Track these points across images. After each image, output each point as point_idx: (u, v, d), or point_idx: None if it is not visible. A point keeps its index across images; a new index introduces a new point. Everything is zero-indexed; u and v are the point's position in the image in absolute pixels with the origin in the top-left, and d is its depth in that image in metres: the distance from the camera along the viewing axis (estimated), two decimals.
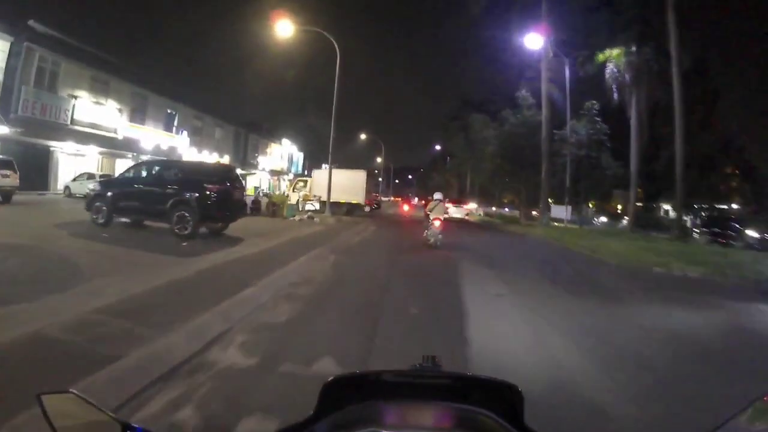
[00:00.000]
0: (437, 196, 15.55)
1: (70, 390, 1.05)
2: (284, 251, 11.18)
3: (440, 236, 14.28)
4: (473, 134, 39.25)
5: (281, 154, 68.40)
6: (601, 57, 29.91)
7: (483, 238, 21.17)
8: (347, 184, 28.69)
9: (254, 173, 57.12)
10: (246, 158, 58.02)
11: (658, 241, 20.10)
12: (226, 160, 51.24)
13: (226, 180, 13.25)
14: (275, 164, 64.74)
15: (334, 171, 28.48)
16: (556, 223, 33.87)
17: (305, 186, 30.14)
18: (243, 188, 14.63)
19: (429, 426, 1.14)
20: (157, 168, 13.85)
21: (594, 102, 32.84)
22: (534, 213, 37.54)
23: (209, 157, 47.08)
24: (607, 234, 23.52)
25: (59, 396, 1.06)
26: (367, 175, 30.36)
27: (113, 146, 34.39)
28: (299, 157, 71.34)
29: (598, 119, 32.58)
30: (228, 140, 53.99)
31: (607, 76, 30.35)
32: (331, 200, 28.25)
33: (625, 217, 37.22)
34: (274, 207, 21.87)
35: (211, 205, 12.31)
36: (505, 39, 31.77)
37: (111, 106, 35.00)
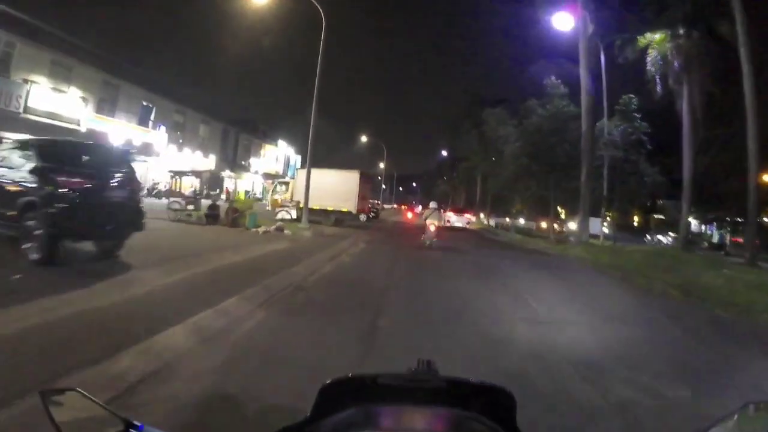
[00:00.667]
0: (432, 205, 18.67)
1: (74, 387, 1.06)
2: (173, 300, 6.07)
3: (435, 239, 17.22)
4: (488, 132, 33.96)
5: (276, 156, 63.79)
6: (641, 41, 24.94)
7: (515, 266, 14.77)
8: (336, 188, 23.54)
9: (236, 176, 52.24)
10: (236, 159, 53.22)
11: (749, 272, 14.55)
12: (211, 160, 46.67)
13: (103, 171, 8.18)
14: (269, 167, 60.04)
15: (320, 171, 23.43)
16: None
17: (287, 190, 24.82)
18: (137, 185, 9.38)
19: (422, 430, 1.18)
20: (20, 149, 8.72)
21: (632, 96, 27.73)
22: (556, 226, 32.19)
23: (191, 156, 42.70)
24: (663, 256, 18.09)
25: (62, 393, 1.06)
26: (363, 178, 25.00)
27: (77, 139, 29.77)
28: (296, 159, 66.32)
29: (638, 116, 27.44)
30: (215, 139, 49.21)
31: (648, 64, 25.38)
32: (316, 206, 23.22)
33: (670, 234, 31.74)
34: (234, 214, 16.86)
35: (68, 211, 7.24)
36: (527, 20, 26.87)
37: (74, 94, 30.74)
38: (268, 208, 23.60)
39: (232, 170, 52.08)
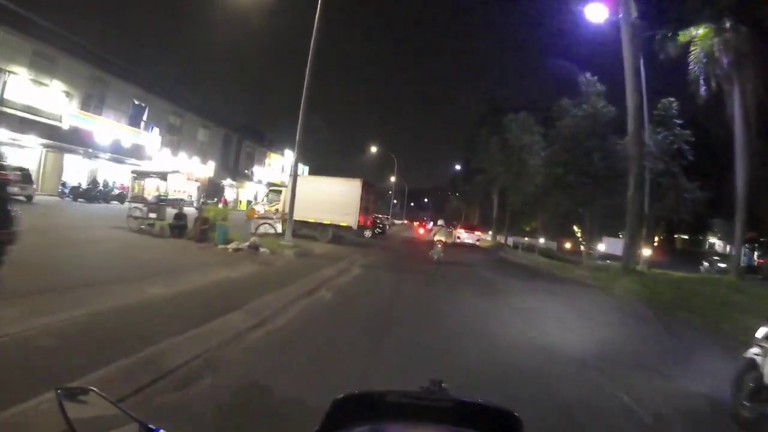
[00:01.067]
0: (440, 222, 20.44)
1: (90, 387, 1.05)
2: None
3: (442, 254, 17.86)
4: (511, 140, 30.39)
5: (282, 165, 60.91)
6: (682, 37, 21.71)
7: (564, 313, 10.28)
8: (334, 198, 20.16)
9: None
10: (237, 167, 50.36)
11: None
12: (210, 167, 43.94)
13: None
14: (274, 176, 57.08)
15: (316, 179, 20.38)
16: (609, 262, 25.33)
17: (279, 198, 21.51)
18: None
19: None
20: None
21: (671, 100, 24.40)
22: (583, 247, 28.56)
23: (188, 161, 39.89)
24: (732, 289, 14.40)
25: (78, 392, 1.05)
26: (366, 188, 21.53)
27: (58, 137, 27.45)
28: (304, 170, 63.40)
29: (678, 122, 24.07)
30: (215, 144, 46.45)
31: (690, 63, 22.09)
32: (311, 220, 20.04)
33: (716, 258, 27.95)
34: (203, 226, 13.75)
35: None
36: (554, 18, 23.85)
37: (56, 87, 28.29)
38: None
39: (233, 178, 49.40)
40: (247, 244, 12.68)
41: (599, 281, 16.16)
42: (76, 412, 0.96)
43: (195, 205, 30.82)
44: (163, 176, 16.15)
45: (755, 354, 4.57)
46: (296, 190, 16.68)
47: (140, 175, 17.59)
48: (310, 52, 14.34)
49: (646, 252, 21.24)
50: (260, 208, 20.41)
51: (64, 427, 0.91)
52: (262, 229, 16.69)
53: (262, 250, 12.66)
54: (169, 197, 18.06)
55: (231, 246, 12.64)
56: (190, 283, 7.60)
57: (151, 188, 16.90)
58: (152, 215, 14.84)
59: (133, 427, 0.98)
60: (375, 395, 1.21)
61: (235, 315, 5.91)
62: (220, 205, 36.51)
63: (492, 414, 1.19)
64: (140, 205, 15.60)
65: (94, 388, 1.04)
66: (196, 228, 13.85)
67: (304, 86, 14.53)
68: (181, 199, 34.45)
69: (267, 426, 3.37)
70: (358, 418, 1.13)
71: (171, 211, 15.56)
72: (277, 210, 19.72)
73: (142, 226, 14.73)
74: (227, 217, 14.71)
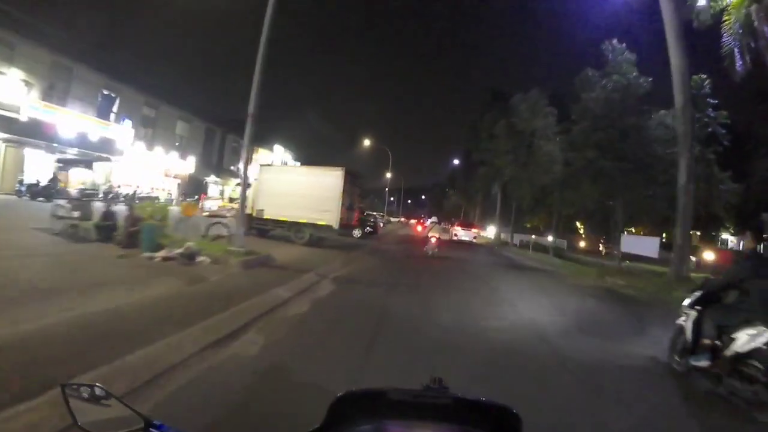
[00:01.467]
0: (434, 219, 24.79)
1: (95, 383, 1.04)
2: None
3: (436, 249, 19.18)
4: (519, 124, 26.99)
5: (272, 161, 57.78)
6: (714, 6, 18.70)
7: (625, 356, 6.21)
8: (311, 192, 16.85)
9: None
10: (221, 163, 47.14)
11: None
12: (190, 162, 40.78)
13: None
14: None
15: (289, 170, 17.35)
16: (635, 264, 22.24)
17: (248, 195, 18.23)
18: None
19: None
20: None
21: (704, 77, 21.25)
22: (601, 247, 25.34)
23: (165, 156, 36.69)
24: None
25: (84, 388, 1.05)
26: (349, 179, 17.96)
27: (17, 131, 24.41)
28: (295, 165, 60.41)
29: (713, 102, 20.99)
30: (196, 139, 43.21)
31: (724, 35, 19.09)
32: (283, 218, 16.97)
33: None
34: (132, 228, 10.62)
35: None
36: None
37: (14, 76, 25.27)
38: (227, 218, 17.09)
39: (217, 175, 46.24)
40: (180, 251, 9.54)
41: (643, 292, 12.79)
42: (81, 407, 0.97)
43: (174, 203, 27.81)
44: (87, 164, 12.93)
45: (683, 320, 5.48)
46: (267, 182, 13.58)
47: (67, 164, 14.24)
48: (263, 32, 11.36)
49: (709, 256, 17.95)
50: (211, 204, 17.16)
51: (70, 422, 0.92)
52: (214, 231, 13.47)
53: (200, 258, 9.51)
54: (141, 194, 14.80)
55: (160, 254, 9.49)
56: (33, 321, 4.44)
57: (76, 180, 13.64)
58: (75, 213, 11.70)
59: (137, 422, 0.98)
60: (376, 393, 1.18)
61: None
62: (201, 203, 33.40)
63: (491, 411, 1.18)
64: (64, 202, 12.46)
65: (100, 384, 1.02)
66: (126, 229, 10.72)
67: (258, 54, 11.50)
68: (156, 197, 31.41)
69: None
70: (359, 416, 1.12)
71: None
72: (249, 207, 16.50)
73: (70, 227, 11.62)
74: (166, 216, 11.50)
